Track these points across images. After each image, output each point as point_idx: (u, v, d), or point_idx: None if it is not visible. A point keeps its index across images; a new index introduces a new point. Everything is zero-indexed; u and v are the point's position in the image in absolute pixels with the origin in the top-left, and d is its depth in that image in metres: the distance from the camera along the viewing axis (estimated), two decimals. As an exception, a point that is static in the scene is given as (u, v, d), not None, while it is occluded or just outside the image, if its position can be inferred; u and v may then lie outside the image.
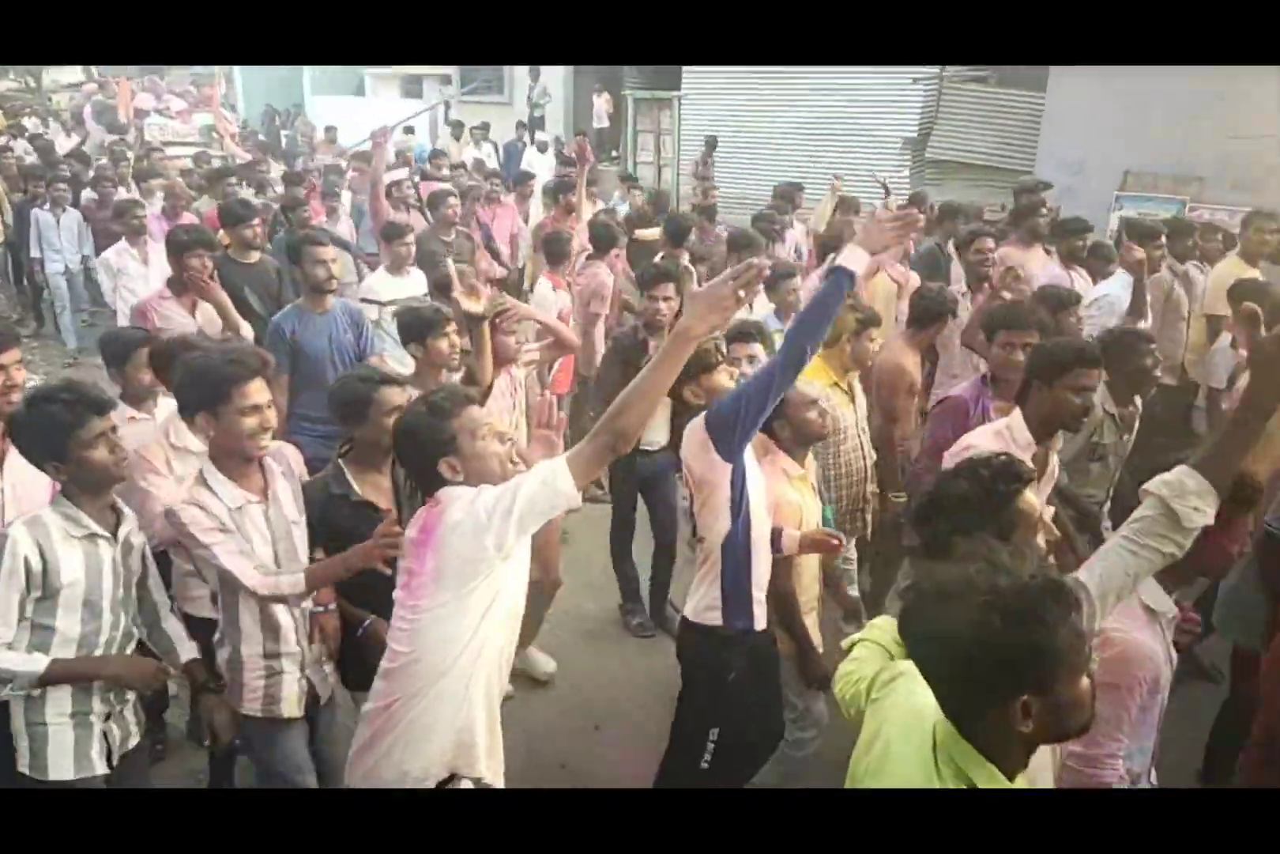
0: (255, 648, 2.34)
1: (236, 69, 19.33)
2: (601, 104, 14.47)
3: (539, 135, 14.14)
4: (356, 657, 2.45)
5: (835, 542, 2.68)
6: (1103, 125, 8.71)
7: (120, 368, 3.04)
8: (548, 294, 5.10)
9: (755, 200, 12.26)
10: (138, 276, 5.62)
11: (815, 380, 3.23)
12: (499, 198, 7.92)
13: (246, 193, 7.57)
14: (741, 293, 1.80)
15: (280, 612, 2.34)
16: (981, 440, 2.62)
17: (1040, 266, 5.10)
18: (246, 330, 3.85)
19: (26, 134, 11.81)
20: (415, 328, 3.23)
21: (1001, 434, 2.69)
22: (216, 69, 18.10)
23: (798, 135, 11.99)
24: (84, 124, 12.44)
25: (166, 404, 2.90)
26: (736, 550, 2.50)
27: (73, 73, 29.34)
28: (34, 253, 7.83)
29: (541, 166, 11.34)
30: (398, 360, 3.89)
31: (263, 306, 4.60)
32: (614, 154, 14.59)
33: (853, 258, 2.24)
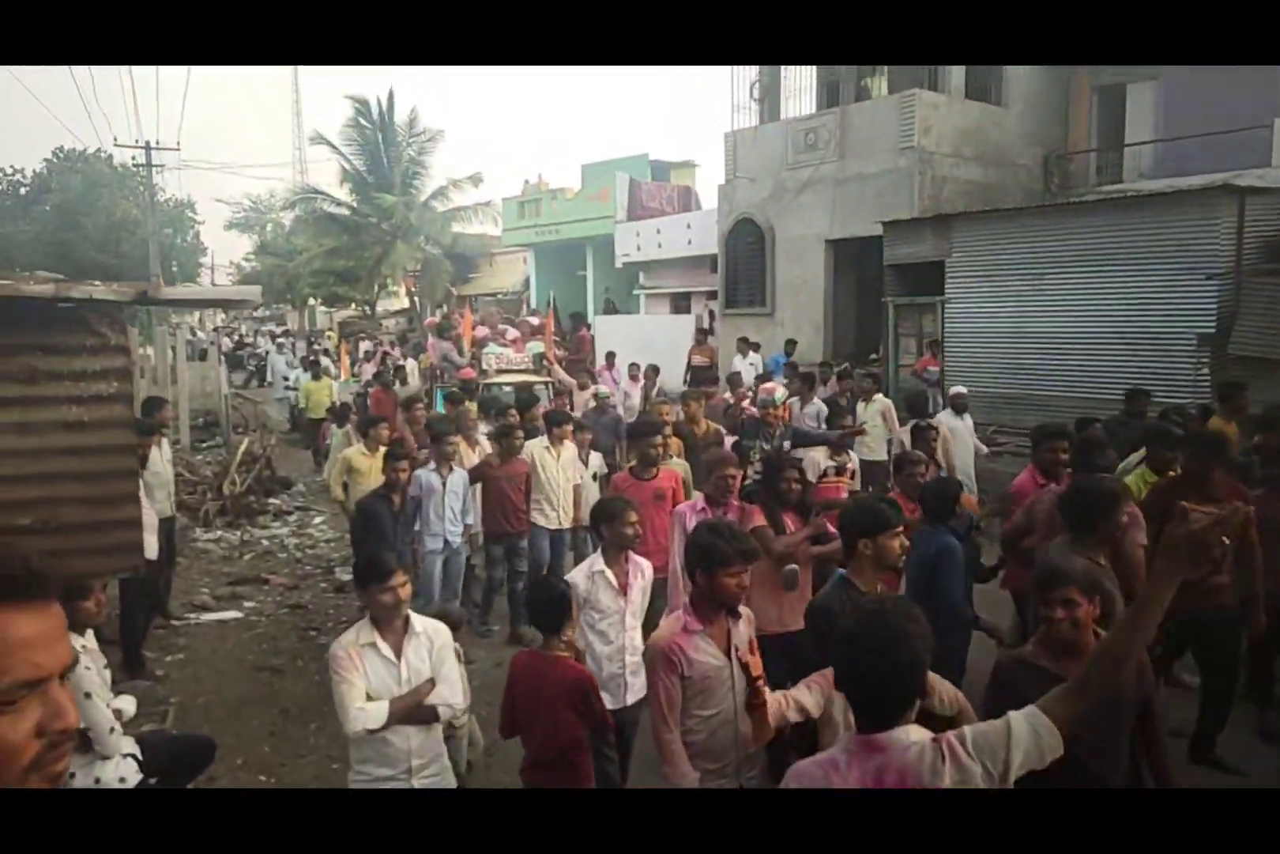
0: None
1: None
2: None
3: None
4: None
5: None
6: None
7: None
8: None
9: (1024, 400, 11.94)
10: None
11: None
12: None
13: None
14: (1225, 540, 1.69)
15: None
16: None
17: None
18: None
19: (376, 361, 13.65)
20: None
21: None
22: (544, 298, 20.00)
23: (1075, 338, 11.69)
24: (427, 351, 14.02)
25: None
26: None
27: (400, 299, 35.27)
28: (417, 525, 6.13)
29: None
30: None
31: None
32: (873, 356, 14.92)
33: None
